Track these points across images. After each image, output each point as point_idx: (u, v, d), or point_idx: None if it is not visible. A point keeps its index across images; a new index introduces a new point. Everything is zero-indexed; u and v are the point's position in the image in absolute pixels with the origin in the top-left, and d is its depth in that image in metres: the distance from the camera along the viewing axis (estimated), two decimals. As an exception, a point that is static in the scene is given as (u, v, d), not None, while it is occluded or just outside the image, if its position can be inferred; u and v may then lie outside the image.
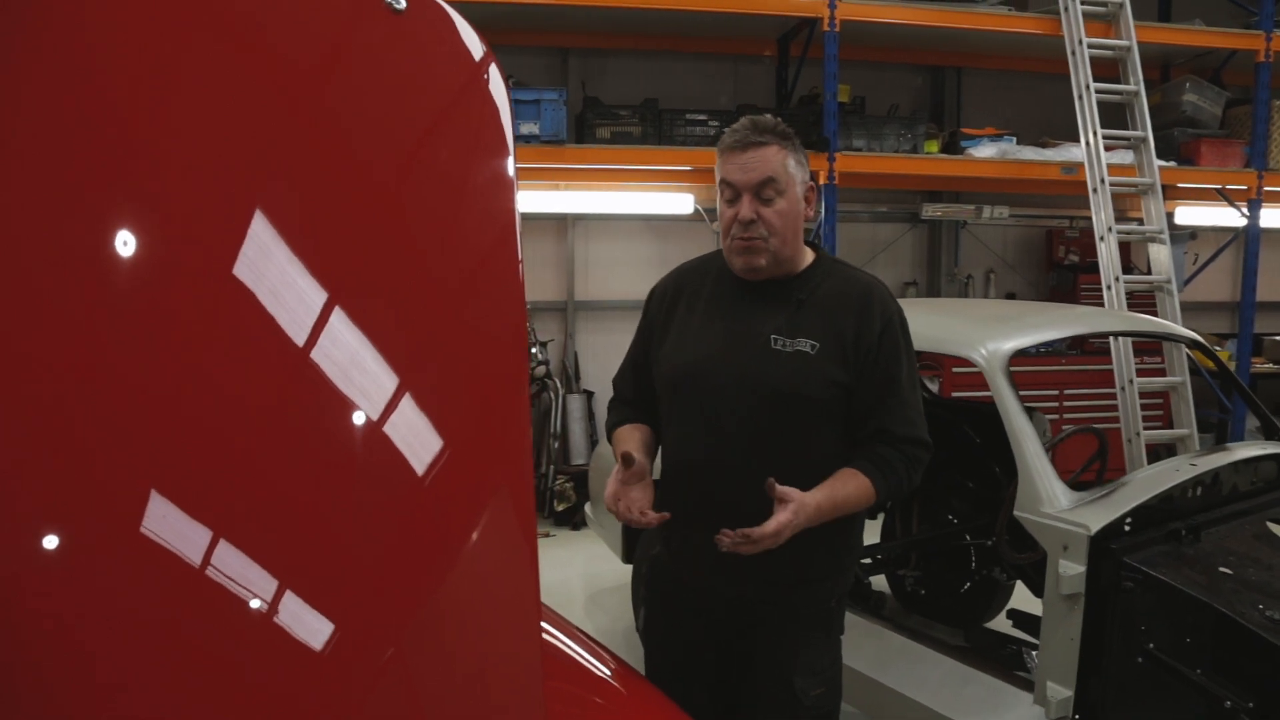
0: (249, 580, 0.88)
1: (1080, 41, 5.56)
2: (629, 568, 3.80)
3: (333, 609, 0.89)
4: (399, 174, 1.13)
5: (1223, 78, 6.82)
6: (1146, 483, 2.52)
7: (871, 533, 4.27)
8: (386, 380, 1.01)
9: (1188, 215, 6.96)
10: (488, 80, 1.25)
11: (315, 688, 0.88)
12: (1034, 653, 2.76)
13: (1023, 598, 3.52)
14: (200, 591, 0.89)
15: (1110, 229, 5.33)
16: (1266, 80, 6.32)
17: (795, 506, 1.72)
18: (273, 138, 1.02)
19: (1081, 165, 5.58)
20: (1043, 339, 3.02)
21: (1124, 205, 6.62)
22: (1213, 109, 6.57)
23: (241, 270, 0.95)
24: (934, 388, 6.16)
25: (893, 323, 1.90)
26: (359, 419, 0.99)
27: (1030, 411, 3.40)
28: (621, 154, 5.69)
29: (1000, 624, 3.57)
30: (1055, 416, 6.24)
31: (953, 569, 3.85)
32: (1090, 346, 6.45)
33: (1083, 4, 5.65)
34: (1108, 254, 5.32)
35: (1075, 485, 2.54)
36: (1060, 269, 7.17)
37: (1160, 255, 5.60)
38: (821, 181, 5.71)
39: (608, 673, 1.57)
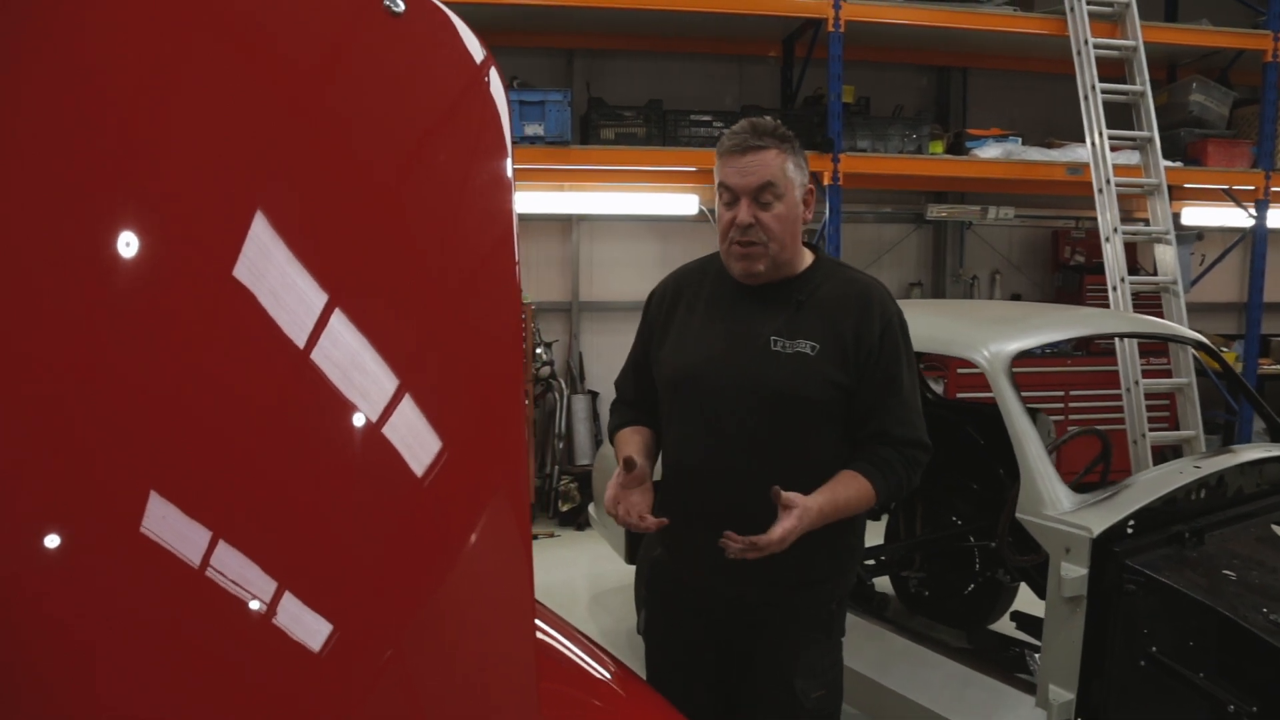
0: (238, 578, 0.88)
1: (1086, 41, 5.54)
2: (632, 568, 3.80)
3: (326, 608, 0.90)
4: (396, 176, 1.13)
5: (1230, 77, 6.79)
6: (1150, 485, 2.51)
7: (875, 534, 4.30)
8: (383, 380, 1.01)
9: (1194, 216, 6.93)
10: (486, 82, 1.25)
11: (307, 686, 0.88)
12: (1036, 655, 2.75)
13: (1026, 599, 3.52)
14: (194, 590, 0.89)
15: (1116, 230, 5.31)
16: (1274, 80, 6.30)
17: (799, 512, 1.72)
18: (270, 140, 1.03)
19: (1087, 166, 5.57)
20: (1045, 340, 3.02)
21: (1130, 206, 6.60)
22: (1220, 109, 6.54)
23: (237, 270, 0.95)
24: (939, 389, 6.15)
25: (892, 324, 1.90)
26: (355, 419, 1.00)
27: (1034, 413, 3.40)
28: (626, 155, 5.69)
29: (1004, 626, 3.56)
30: (1061, 418, 6.23)
31: (956, 570, 3.84)
32: (1096, 348, 6.43)
33: (1088, 4, 5.63)
34: (1113, 255, 5.30)
35: (1078, 487, 2.53)
36: (1066, 270, 7.15)
37: (1166, 256, 5.58)
38: (826, 182, 5.71)
39: (605, 674, 1.57)
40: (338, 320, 1.00)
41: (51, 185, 0.94)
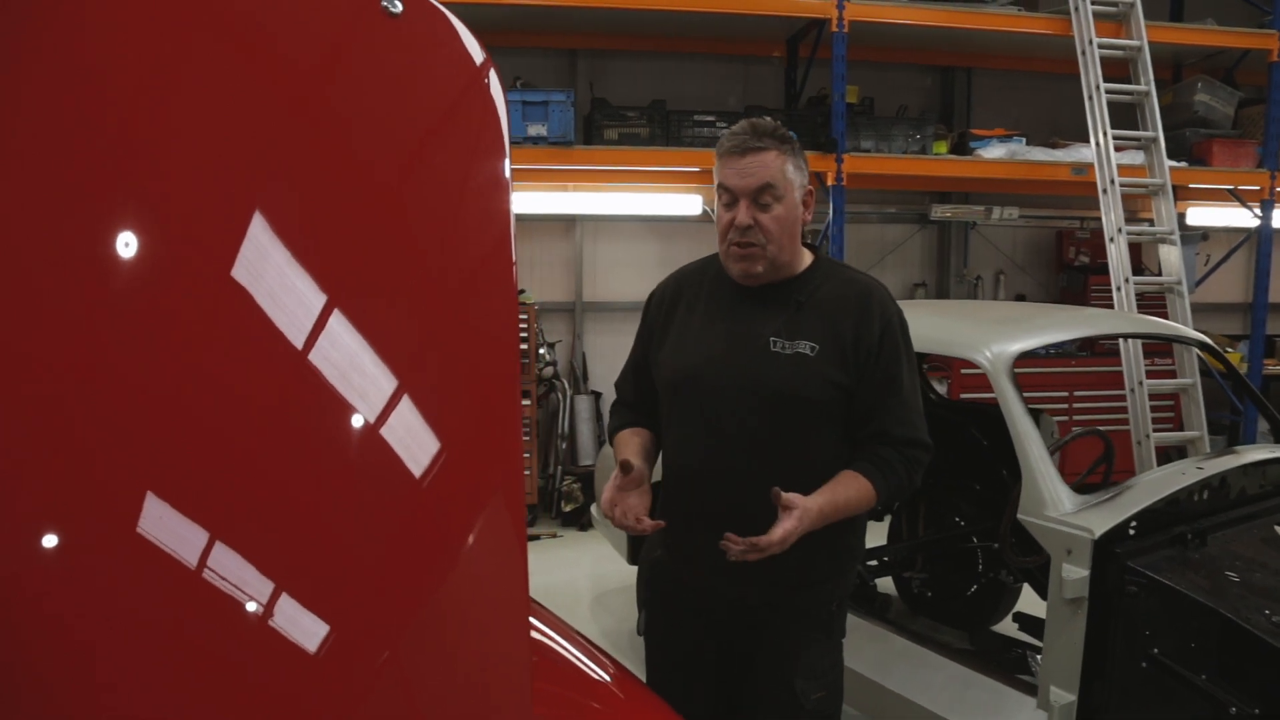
0: (229, 576, 0.88)
1: (1090, 41, 5.53)
2: (635, 569, 3.79)
3: (317, 606, 0.90)
4: (392, 176, 1.13)
5: (1235, 77, 6.76)
6: (1152, 486, 2.51)
7: (878, 535, 4.29)
8: (378, 380, 1.01)
9: (1200, 216, 6.91)
10: (484, 82, 1.25)
11: (297, 684, 0.88)
12: (1038, 656, 2.75)
13: (1030, 601, 3.51)
14: (187, 589, 0.89)
15: (1120, 230, 5.30)
16: (1280, 80, 6.28)
17: (799, 513, 1.72)
18: (264, 139, 1.03)
19: (1091, 166, 5.55)
20: (1047, 341, 3.01)
21: (1135, 206, 6.59)
22: (1225, 109, 6.52)
23: (231, 270, 0.95)
24: (942, 389, 6.14)
25: (892, 324, 1.90)
26: (350, 418, 1.00)
27: (1037, 414, 3.39)
28: (629, 155, 5.69)
29: (1007, 627, 3.55)
30: (1065, 418, 6.21)
31: (959, 572, 3.83)
32: (1100, 348, 6.41)
33: (1093, 4, 5.62)
34: (1118, 255, 5.29)
35: (1081, 488, 2.52)
36: (1070, 270, 7.13)
37: (1171, 256, 5.56)
38: (830, 183, 5.71)
39: (602, 675, 1.57)
40: (333, 320, 1.00)
41: (46, 186, 0.94)
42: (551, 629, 1.69)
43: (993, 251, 7.33)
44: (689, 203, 6.21)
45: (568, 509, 5.93)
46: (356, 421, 0.99)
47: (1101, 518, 2.33)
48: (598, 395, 6.43)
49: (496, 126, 1.23)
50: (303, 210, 1.03)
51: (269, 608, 0.88)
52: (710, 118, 5.84)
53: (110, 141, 0.97)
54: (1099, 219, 5.48)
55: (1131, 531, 2.32)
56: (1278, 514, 2.67)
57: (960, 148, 6.27)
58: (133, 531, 0.92)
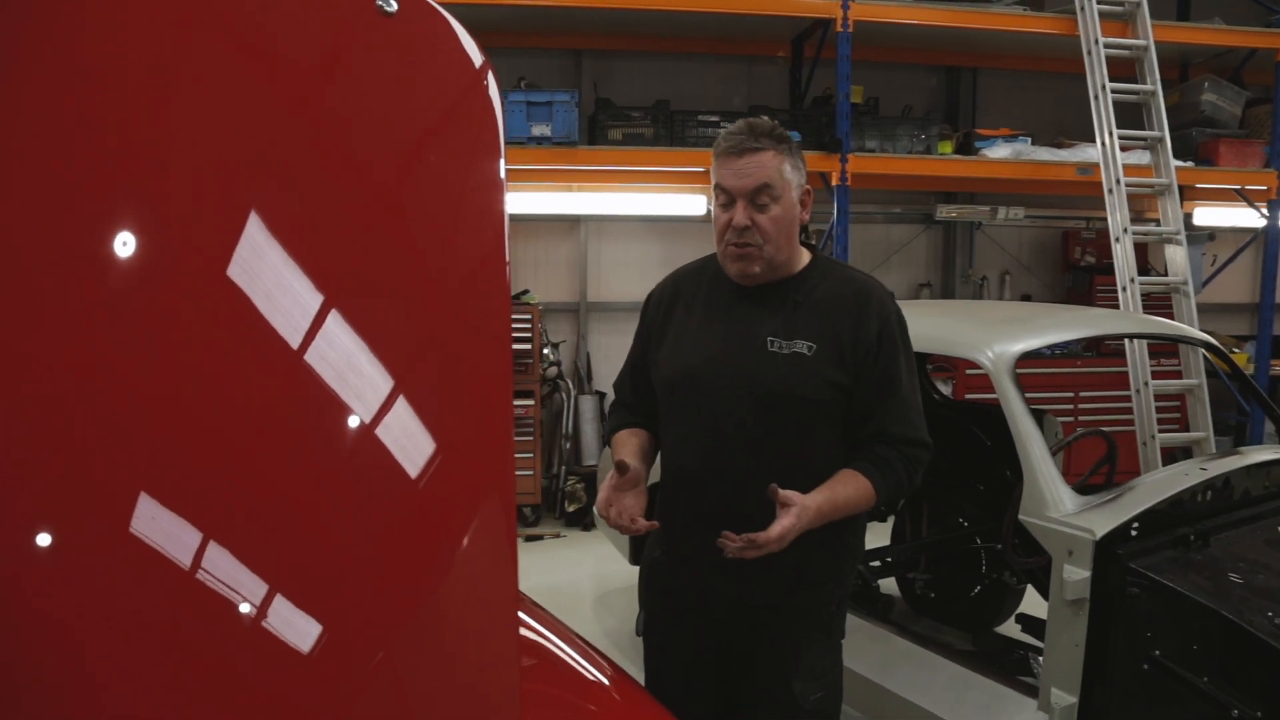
0: (219, 574, 0.88)
1: (1096, 41, 5.51)
2: (637, 569, 3.79)
3: (306, 605, 0.90)
4: (384, 174, 1.13)
5: (1243, 77, 6.74)
6: (1154, 487, 2.49)
7: (882, 535, 4.28)
8: (369, 378, 1.01)
9: (1206, 216, 6.89)
10: (480, 81, 1.25)
11: (285, 682, 0.89)
12: (1040, 658, 2.74)
13: (1033, 602, 3.50)
14: (179, 589, 0.89)
15: (1126, 230, 5.28)
16: (1287, 79, 6.25)
17: (797, 510, 1.71)
18: (253, 136, 1.02)
19: (1097, 166, 5.53)
20: (1049, 341, 3.00)
21: (1141, 206, 6.56)
22: (1232, 109, 6.49)
23: (219, 267, 0.95)
24: (947, 390, 6.12)
25: (890, 323, 1.89)
26: (341, 417, 0.99)
27: (1041, 414, 3.38)
28: (633, 155, 5.69)
29: (1009, 629, 3.54)
30: (1070, 419, 6.19)
31: (962, 572, 3.82)
32: (1106, 349, 6.39)
33: (1099, 3, 5.60)
34: (1123, 255, 5.27)
35: (1084, 489, 2.51)
36: (1076, 270, 7.11)
37: (1176, 256, 5.54)
38: (834, 183, 5.70)
39: (598, 677, 1.57)
40: (323, 318, 1.00)
41: (37, 185, 0.94)
42: (549, 630, 1.69)
43: (998, 252, 7.31)
44: (693, 203, 6.21)
45: (571, 509, 5.93)
46: (347, 419, 0.99)
47: (1103, 518, 2.32)
48: (602, 395, 6.43)
49: (492, 126, 1.23)
50: (292, 208, 1.03)
51: (256, 604, 0.88)
52: (715, 118, 5.84)
53: (97, 137, 0.97)
54: (1105, 219, 5.46)
55: (1133, 532, 2.31)
56: (1282, 515, 2.65)
57: (965, 148, 6.25)
58: (125, 530, 0.92)
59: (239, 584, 0.87)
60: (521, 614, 1.65)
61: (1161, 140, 5.58)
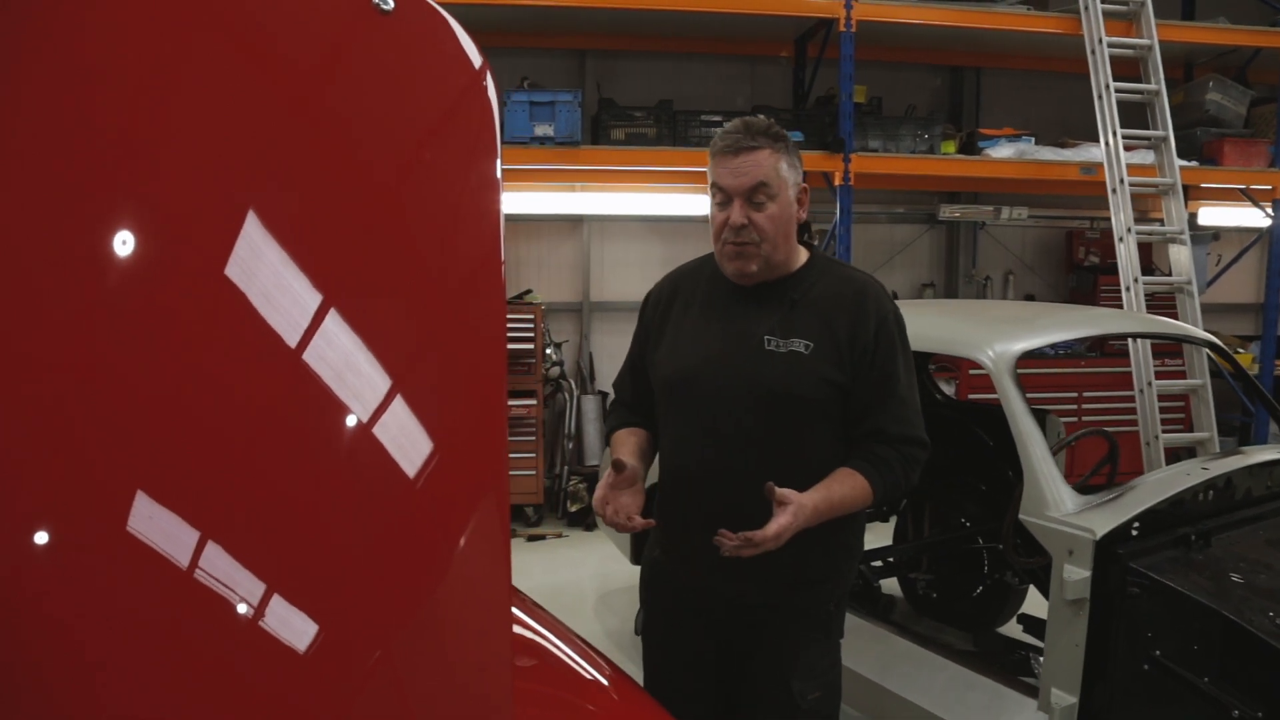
0: (214, 572, 0.88)
1: (1100, 41, 5.50)
2: (638, 569, 3.80)
3: (304, 605, 0.90)
4: (380, 173, 1.13)
5: (1247, 76, 6.72)
6: (1156, 486, 2.49)
7: (884, 535, 4.28)
8: (364, 377, 1.01)
9: (1211, 216, 6.87)
10: (477, 82, 1.25)
11: (278, 681, 0.89)
12: (1041, 658, 2.73)
13: (1036, 602, 3.49)
14: (174, 587, 0.90)
15: (1129, 230, 5.27)
16: (1292, 79, 6.24)
17: (794, 508, 1.71)
18: (248, 134, 1.03)
19: (1101, 166, 5.53)
20: (1050, 340, 2.99)
21: (1146, 206, 6.54)
22: (1237, 108, 6.48)
23: (216, 266, 0.96)
24: (950, 390, 6.12)
25: (887, 321, 1.89)
26: (336, 416, 1.00)
27: (1043, 414, 3.38)
28: (636, 155, 5.70)
29: (1011, 629, 3.54)
30: (1074, 419, 6.18)
31: (964, 572, 3.82)
32: (1110, 349, 6.38)
33: (1103, 3, 5.59)
34: (1127, 255, 5.26)
35: (1085, 489, 2.51)
36: (1080, 270, 7.10)
37: (1180, 256, 5.53)
38: (837, 183, 5.69)
39: (596, 676, 1.57)
40: (319, 318, 1.00)
41: (36, 184, 0.94)
42: (547, 630, 1.69)
43: (1002, 252, 7.29)
44: (696, 203, 6.21)
45: (573, 509, 5.93)
46: (341, 419, 1.00)
47: (1103, 518, 2.31)
48: (604, 395, 6.43)
49: (489, 125, 1.23)
50: (288, 207, 1.03)
51: (250, 602, 0.88)
52: (717, 118, 5.84)
53: (94, 136, 0.97)
54: (1109, 219, 5.45)
55: (1134, 532, 2.30)
56: (1284, 515, 2.65)
57: (969, 147, 6.25)
58: (122, 529, 0.92)
59: (232, 581, 0.88)
60: (520, 614, 1.65)
61: (1166, 140, 5.57)
